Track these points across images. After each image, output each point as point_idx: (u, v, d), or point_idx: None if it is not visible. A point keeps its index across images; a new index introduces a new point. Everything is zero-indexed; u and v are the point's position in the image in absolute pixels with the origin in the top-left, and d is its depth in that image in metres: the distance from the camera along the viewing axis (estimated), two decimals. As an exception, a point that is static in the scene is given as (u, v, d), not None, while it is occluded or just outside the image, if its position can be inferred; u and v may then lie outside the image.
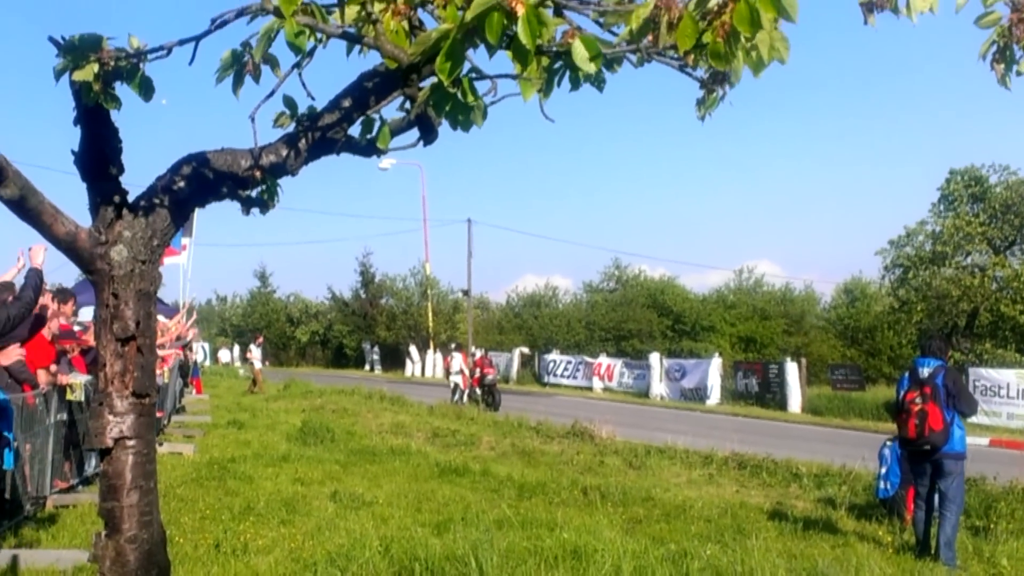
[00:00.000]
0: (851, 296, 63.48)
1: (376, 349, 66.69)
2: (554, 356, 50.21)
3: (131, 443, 3.12)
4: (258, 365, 39.14)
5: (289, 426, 22.34)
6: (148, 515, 3.15)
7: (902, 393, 10.61)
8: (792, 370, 34.98)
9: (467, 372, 33.13)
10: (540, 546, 9.23)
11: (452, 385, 33.44)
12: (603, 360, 46.28)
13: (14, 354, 10.98)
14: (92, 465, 12.66)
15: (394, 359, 64.92)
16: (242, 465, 15.56)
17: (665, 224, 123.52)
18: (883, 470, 12.26)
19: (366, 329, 68.78)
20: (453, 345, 38.81)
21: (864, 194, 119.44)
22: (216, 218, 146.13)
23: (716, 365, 38.60)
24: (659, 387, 41.01)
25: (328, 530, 10.56)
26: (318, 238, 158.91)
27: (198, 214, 35.84)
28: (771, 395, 35.88)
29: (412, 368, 60.74)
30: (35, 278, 9.06)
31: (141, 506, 3.13)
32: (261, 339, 42.54)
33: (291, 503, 12.24)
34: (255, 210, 3.66)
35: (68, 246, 3.13)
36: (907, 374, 10.75)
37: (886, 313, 54.11)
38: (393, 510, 12.08)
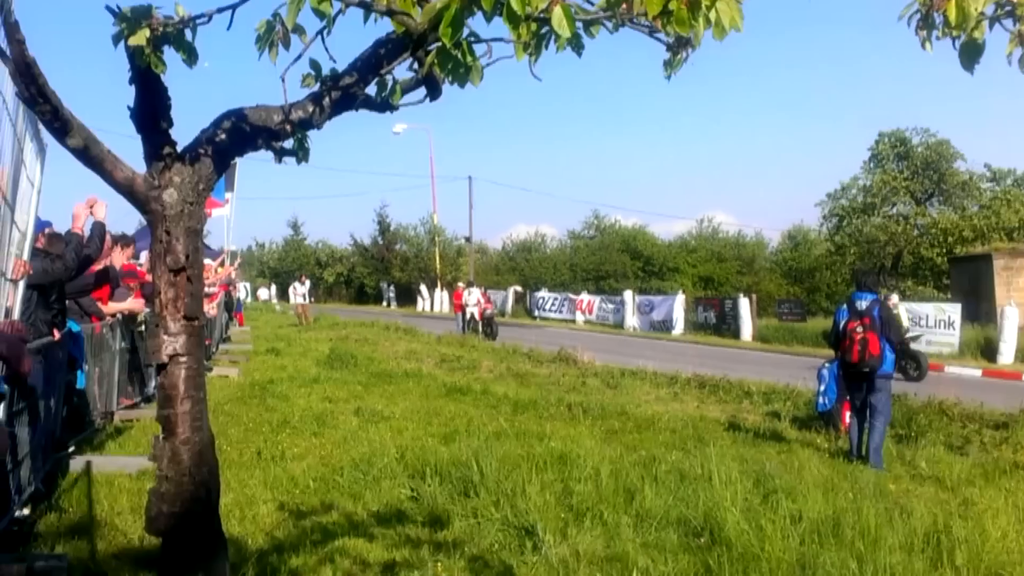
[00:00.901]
0: (794, 241, 63.33)
1: (392, 288, 66.54)
2: (543, 293, 50.17)
3: (183, 359, 3.10)
4: (303, 300, 38.87)
5: (319, 353, 22.38)
6: (199, 420, 3.13)
7: (842, 323, 10.59)
8: (744, 305, 34.97)
9: (483, 304, 32.96)
10: (532, 453, 9.28)
11: (468, 316, 33.11)
12: (584, 297, 46.26)
13: (128, 302, 11.28)
14: (152, 386, 12.68)
15: (407, 296, 64.83)
16: (279, 386, 15.62)
17: (637, 179, 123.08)
18: (821, 388, 12.29)
19: (383, 271, 68.66)
20: (469, 281, 38.50)
21: (805, 153, 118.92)
22: (255, 174, 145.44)
23: (680, 301, 38.58)
24: (632, 320, 41.02)
25: (352, 440, 10.61)
26: (342, 192, 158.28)
27: (239, 170, 35.64)
28: (727, 326, 35.89)
29: (423, 304, 60.64)
30: (100, 229, 9.01)
31: (193, 413, 3.11)
32: (305, 278, 42.08)
33: (321, 418, 12.29)
34: (290, 161, 3.61)
35: (127, 189, 3.09)
36: (845, 306, 10.74)
37: (824, 256, 54.19)
38: (407, 423, 12.13)
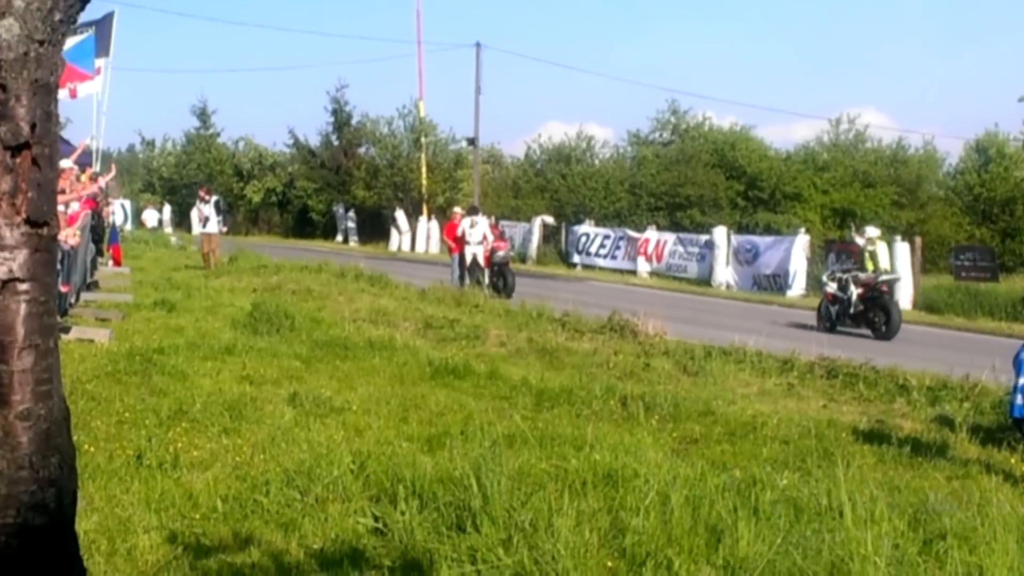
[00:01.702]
0: (984, 157, 62.84)
1: (351, 214, 66.65)
2: (587, 229, 50.23)
3: (24, 287, 3.04)
4: (213, 228, 38.21)
5: (235, 309, 22.43)
6: (47, 384, 3.11)
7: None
8: (903, 253, 34.85)
9: (492, 242, 32.68)
10: (563, 468, 9.31)
11: (470, 259, 32.87)
12: (651, 235, 46.28)
13: None
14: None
15: (375, 228, 64.97)
16: (173, 357, 15.63)
17: (737, 58, 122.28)
18: (1020, 381, 12.23)
19: (338, 187, 68.67)
20: (472, 206, 38.08)
21: (1002, 17, 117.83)
22: (141, 35, 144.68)
23: (801, 244, 38.55)
24: (725, 272, 41.05)
25: (285, 442, 10.64)
26: (276, 63, 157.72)
27: (117, 29, 35.54)
28: (874, 286, 35.87)
29: (399, 240, 60.77)
30: None
31: (37, 372, 3.08)
32: (208, 192, 40.72)
33: (236, 407, 12.32)
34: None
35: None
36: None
37: (1031, 180, 53.85)
38: (370, 419, 12.15)
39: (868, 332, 25.47)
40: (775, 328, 23.80)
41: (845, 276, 26.53)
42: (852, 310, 26.11)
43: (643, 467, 9.40)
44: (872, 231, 27.65)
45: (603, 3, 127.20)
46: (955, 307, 32.43)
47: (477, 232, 32.92)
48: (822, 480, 9.47)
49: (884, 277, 26.56)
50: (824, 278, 27.78)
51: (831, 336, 23.73)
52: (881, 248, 27.97)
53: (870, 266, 26.88)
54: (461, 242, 33.30)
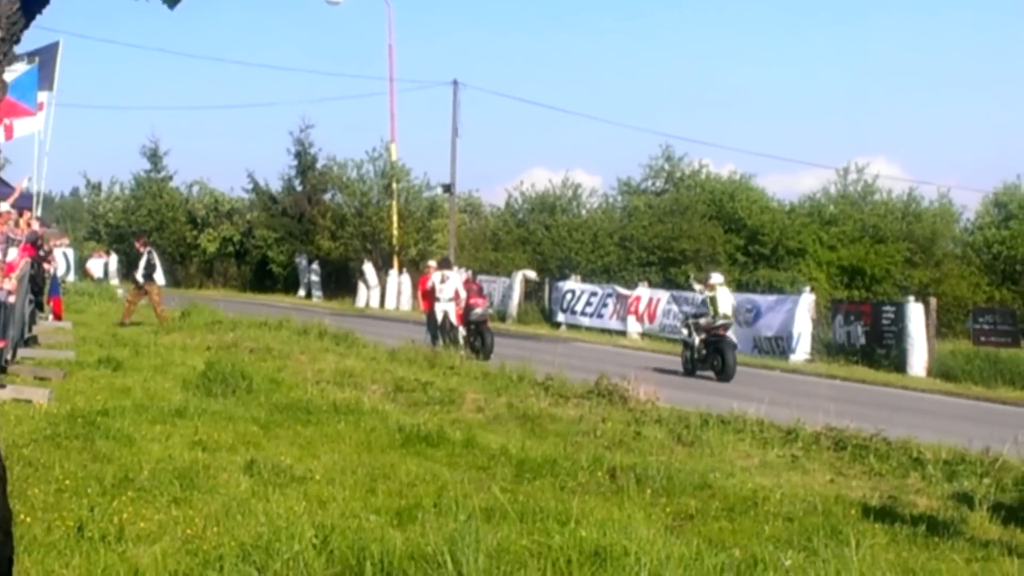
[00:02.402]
0: (1004, 212, 63.25)
1: (315, 266, 66.66)
2: (572, 285, 50.29)
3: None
4: (160, 281, 38.47)
5: (187, 369, 22.39)
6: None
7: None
8: (916, 315, 35.01)
9: (465, 299, 32.63)
10: (546, 545, 9.29)
11: (440, 317, 32.82)
12: (643, 292, 46.37)
13: None
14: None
15: (341, 282, 65.04)
16: (118, 420, 15.59)
17: (737, 102, 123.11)
18: (1045, 455, 12.32)
19: (301, 237, 68.70)
20: (444, 258, 37.99)
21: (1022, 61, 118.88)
22: (88, 68, 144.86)
23: (806, 304, 38.63)
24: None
25: (241, 513, 10.60)
26: (235, 101, 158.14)
27: (63, 60, 35.57)
28: (884, 350, 35.96)
29: (367, 295, 60.77)
30: None
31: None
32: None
33: (188, 475, 12.28)
34: (153, 9, 3.56)
35: None
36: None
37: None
38: (335, 489, 12.13)
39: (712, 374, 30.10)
40: (779, 395, 23.80)
41: (691, 323, 31.17)
42: (696, 355, 30.66)
43: (634, 545, 9.38)
44: (716, 278, 32.25)
45: (591, 41, 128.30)
46: (973, 374, 32.52)
47: (449, 288, 32.83)
48: (830, 561, 9.44)
49: (720, 321, 30.75)
50: (679, 324, 33.79)
51: (684, 379, 28.96)
52: (722, 293, 31.80)
53: (711, 311, 30.92)
54: (431, 298, 33.22)
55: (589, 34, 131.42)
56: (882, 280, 58.56)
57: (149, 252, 38.14)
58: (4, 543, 3.22)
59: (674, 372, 30.57)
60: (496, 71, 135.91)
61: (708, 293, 31.64)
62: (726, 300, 32.05)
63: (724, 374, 29.53)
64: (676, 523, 11.63)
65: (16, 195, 26.42)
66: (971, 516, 12.69)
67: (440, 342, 31.75)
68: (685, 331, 31.69)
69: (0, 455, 3.14)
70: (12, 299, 20.29)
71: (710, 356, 30.33)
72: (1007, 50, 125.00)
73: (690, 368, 30.79)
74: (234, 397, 19.10)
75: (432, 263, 37.09)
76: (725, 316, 31.31)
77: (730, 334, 32.03)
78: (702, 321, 30.79)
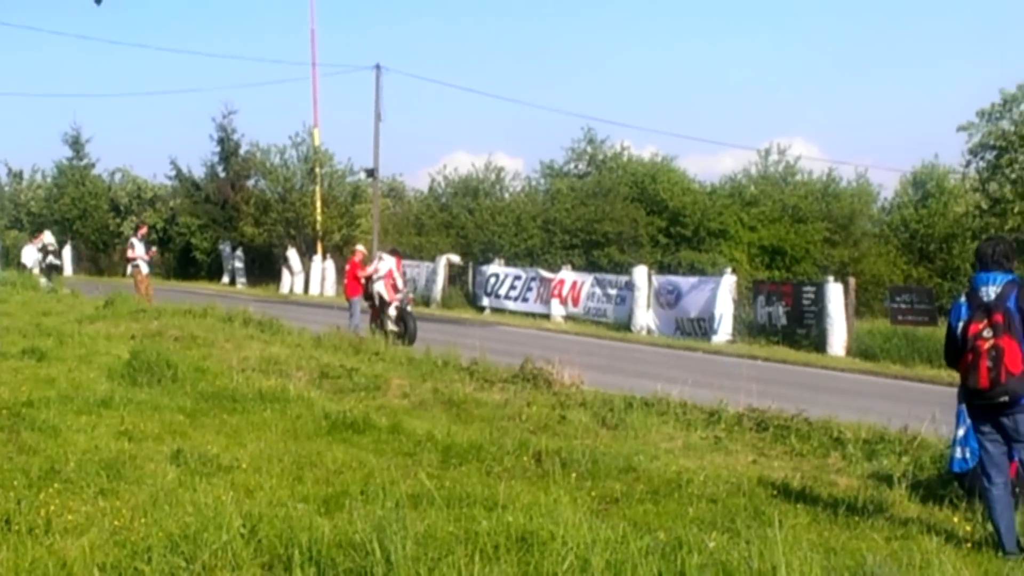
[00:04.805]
0: (921, 191, 63.74)
1: (239, 253, 66.23)
2: (496, 268, 50.19)
3: None
4: (145, 269, 38.37)
5: (112, 358, 22.24)
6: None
7: (960, 325, 10.67)
8: (836, 295, 35.22)
9: (399, 285, 32.42)
10: (473, 530, 9.29)
11: (375, 299, 32.73)
12: (567, 276, 46.36)
13: None
14: None
15: (265, 268, 64.70)
16: (43, 411, 15.54)
17: (658, 83, 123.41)
18: (960, 433, 12.34)
19: (225, 224, 68.18)
20: (393, 250, 37.56)
21: (942, 45, 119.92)
22: (7, 55, 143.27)
23: (728, 286, 38.78)
24: (645, 316, 41.21)
25: (168, 504, 10.58)
26: (157, 87, 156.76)
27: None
28: (804, 330, 36.20)
29: (291, 282, 60.46)
30: None
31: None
32: (145, 229, 41.07)
33: (114, 465, 12.25)
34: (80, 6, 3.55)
35: None
36: (963, 298, 10.83)
37: (970, 216, 54.43)
38: (262, 478, 12.14)
39: None
40: (701, 376, 23.91)
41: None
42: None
43: (560, 529, 9.40)
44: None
45: (511, 23, 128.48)
46: (891, 353, 32.78)
47: (383, 268, 32.58)
48: (753, 542, 9.49)
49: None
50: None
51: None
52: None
53: None
54: (367, 282, 32.96)
55: (507, 17, 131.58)
56: (802, 260, 58.80)
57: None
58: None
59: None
60: (418, 55, 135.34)
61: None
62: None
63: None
64: (602, 507, 11.69)
65: None
66: (890, 495, 12.82)
67: (380, 329, 31.49)
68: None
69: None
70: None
71: None
72: (921, 29, 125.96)
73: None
74: (159, 386, 19.02)
75: (360, 248, 37.01)
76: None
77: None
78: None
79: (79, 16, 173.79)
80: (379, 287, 32.31)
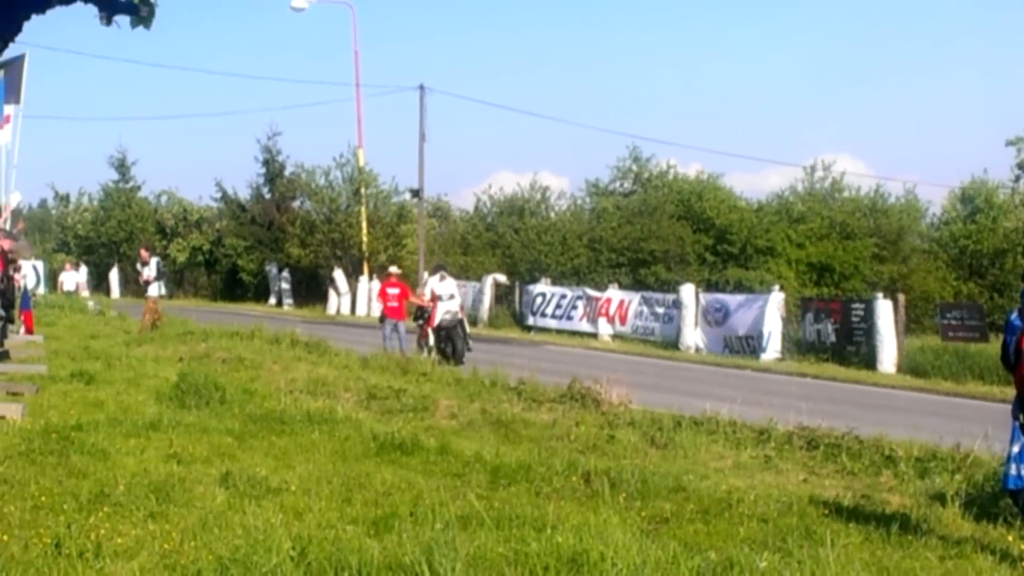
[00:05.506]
0: (970, 206, 63.33)
1: (285, 274, 66.34)
2: (543, 288, 50.19)
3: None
4: (154, 293, 38.49)
5: (160, 381, 22.32)
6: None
7: (1015, 337, 10.60)
8: (885, 312, 35.05)
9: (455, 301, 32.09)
10: (523, 552, 9.30)
11: (443, 325, 31.96)
12: (613, 294, 46.32)
13: None
14: None
15: (311, 289, 64.79)
16: (92, 435, 15.56)
17: (703, 102, 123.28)
18: (1015, 450, 12.25)
19: (271, 245, 68.35)
20: (438, 265, 37.27)
21: (990, 57, 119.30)
22: (54, 80, 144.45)
23: (776, 303, 38.63)
24: (693, 334, 41.12)
25: (218, 527, 10.60)
26: (201, 110, 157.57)
27: (29, 74, 35.44)
28: (854, 347, 36.02)
29: (337, 302, 60.56)
30: None
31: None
32: (148, 253, 41.19)
33: (164, 489, 12.27)
34: (124, 26, 3.59)
35: None
36: (1016, 313, 10.77)
37: (1021, 231, 54.14)
38: (311, 500, 12.12)
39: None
40: (750, 394, 23.81)
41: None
42: None
43: (610, 550, 9.40)
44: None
45: (555, 43, 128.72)
46: (943, 370, 32.56)
47: (445, 288, 32.15)
48: (805, 562, 9.48)
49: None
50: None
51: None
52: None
53: None
54: (427, 303, 32.51)
55: (552, 36, 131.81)
56: (851, 277, 58.56)
57: (157, 263, 38.15)
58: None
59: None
60: (461, 74, 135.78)
61: None
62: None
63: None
64: (651, 527, 11.64)
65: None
66: (943, 513, 12.73)
67: (429, 351, 31.33)
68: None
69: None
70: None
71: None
72: (969, 44, 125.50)
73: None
74: (208, 408, 19.05)
75: (394, 268, 36.69)
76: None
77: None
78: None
79: (124, 40, 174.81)
80: (443, 315, 31.89)
